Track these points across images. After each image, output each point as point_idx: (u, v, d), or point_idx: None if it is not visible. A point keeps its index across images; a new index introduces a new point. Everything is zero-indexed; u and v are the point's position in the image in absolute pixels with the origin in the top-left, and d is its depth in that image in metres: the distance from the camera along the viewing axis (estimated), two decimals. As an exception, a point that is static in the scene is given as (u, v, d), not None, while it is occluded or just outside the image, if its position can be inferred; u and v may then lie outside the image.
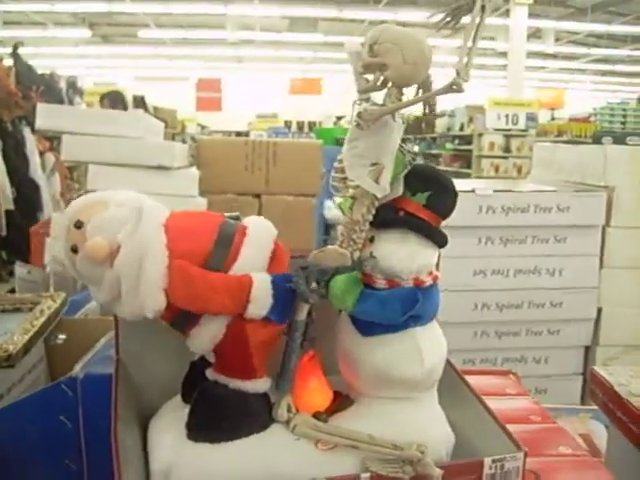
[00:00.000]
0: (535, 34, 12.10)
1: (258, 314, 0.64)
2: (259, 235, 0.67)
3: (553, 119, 11.33)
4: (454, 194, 0.73)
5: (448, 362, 0.77)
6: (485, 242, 2.02)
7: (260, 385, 0.68)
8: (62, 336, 1.23)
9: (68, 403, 0.92)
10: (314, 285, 0.65)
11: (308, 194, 2.90)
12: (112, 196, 0.67)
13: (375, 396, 0.72)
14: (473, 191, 1.99)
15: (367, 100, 0.66)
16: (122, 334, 0.78)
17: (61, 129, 2.40)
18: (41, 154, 4.49)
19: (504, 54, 11.06)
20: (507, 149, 7.77)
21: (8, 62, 4.55)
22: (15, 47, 4.80)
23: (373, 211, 0.69)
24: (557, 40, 12.65)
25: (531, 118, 7.77)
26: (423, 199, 0.70)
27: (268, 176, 2.88)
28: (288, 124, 13.70)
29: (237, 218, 0.69)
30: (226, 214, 0.69)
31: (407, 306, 0.68)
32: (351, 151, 0.67)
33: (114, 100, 4.44)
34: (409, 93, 0.68)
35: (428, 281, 0.71)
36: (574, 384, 2.18)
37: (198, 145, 3.04)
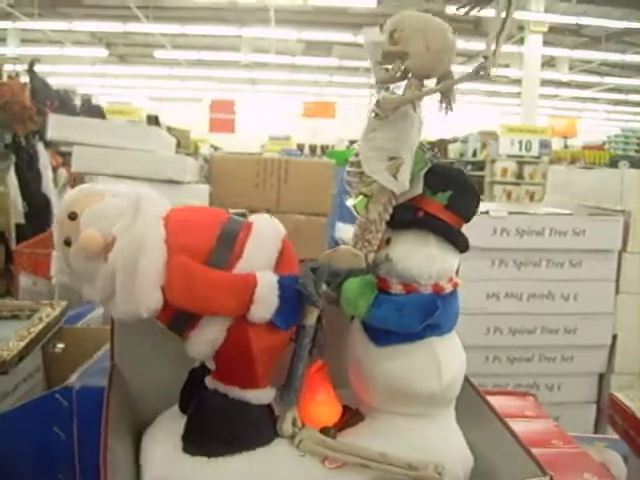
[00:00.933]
0: (549, 62, 12.14)
1: (262, 317, 0.59)
2: (266, 233, 0.62)
3: (566, 147, 11.31)
4: (477, 196, 0.68)
5: (466, 379, 0.71)
6: (499, 265, 1.99)
7: (263, 395, 0.63)
8: (61, 345, 1.19)
9: (62, 414, 0.88)
10: (324, 287, 0.60)
11: (319, 213, 2.86)
12: (107, 188, 0.63)
13: (388, 411, 0.67)
14: (487, 213, 1.96)
15: (386, 90, 0.62)
16: (118, 339, 0.73)
17: (72, 140, 2.38)
18: (54, 169, 4.50)
19: (518, 81, 11.09)
20: (520, 176, 7.73)
21: (25, 79, 4.60)
22: (31, 64, 4.86)
23: (390, 210, 0.64)
24: (571, 68, 12.69)
25: (544, 145, 7.73)
26: (444, 199, 0.65)
27: (279, 194, 2.85)
28: (300, 147, 13.74)
29: (243, 215, 0.65)
30: (232, 210, 0.65)
31: (425, 314, 0.63)
32: (368, 143, 0.62)
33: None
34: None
35: (448, 287, 0.66)
36: (587, 412, 2.13)
37: (210, 161, 3.02)
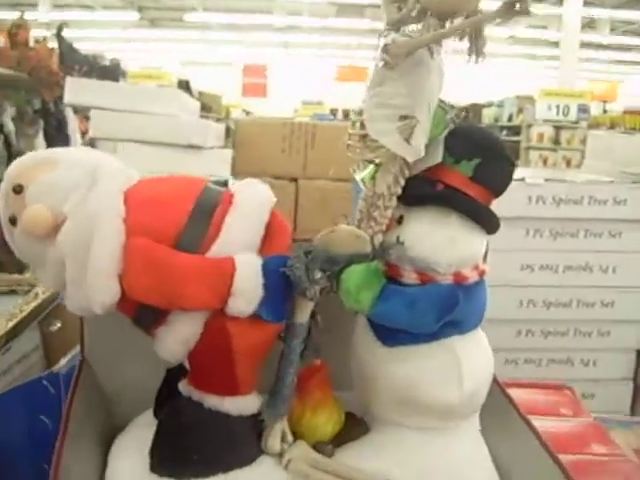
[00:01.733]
0: (589, 24, 11.63)
1: (242, 310, 0.49)
2: (249, 204, 0.51)
3: (605, 112, 10.90)
4: (510, 164, 0.56)
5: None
6: (534, 235, 1.89)
7: (245, 404, 0.52)
8: (57, 323, 1.11)
9: (50, 401, 0.82)
10: (318, 275, 0.49)
11: (348, 180, 2.75)
12: (64, 154, 0.52)
13: (397, 424, 0.56)
14: (523, 180, 1.86)
15: (397, 31, 0.49)
16: (89, 331, 0.64)
17: (90, 104, 2.32)
18: (83, 134, 4.47)
19: (556, 44, 10.67)
20: (557, 141, 7.52)
21: (54, 44, 4.55)
22: (59, 29, 4.81)
23: (402, 182, 0.53)
24: (612, 30, 12.13)
25: (583, 110, 7.50)
26: (469, 169, 0.54)
27: (306, 160, 2.75)
28: (334, 111, 13.53)
29: (224, 184, 0.53)
30: (212, 178, 0.53)
31: (443, 309, 0.52)
32: (374, 99, 0.50)
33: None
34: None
35: (472, 277, 0.55)
36: (624, 390, 2.03)
37: (235, 125, 2.93)
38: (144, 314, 0.50)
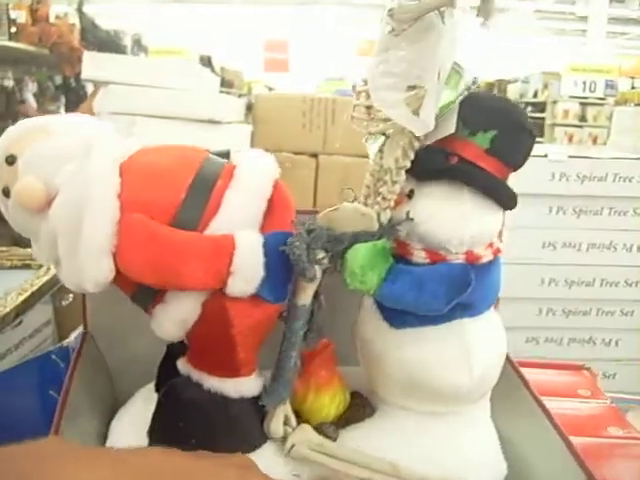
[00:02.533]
0: (618, -2, 11.31)
1: (243, 290, 0.46)
2: (251, 178, 0.48)
3: (633, 88, 10.62)
4: (530, 136, 0.52)
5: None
6: (557, 212, 1.84)
7: (247, 386, 0.50)
8: (69, 297, 1.10)
9: (59, 375, 0.82)
10: (320, 254, 0.47)
11: (368, 155, 2.72)
12: (58, 122, 0.50)
13: (404, 407, 0.54)
14: (545, 156, 1.82)
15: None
16: (92, 303, 0.62)
17: (107, 79, 2.30)
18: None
19: (584, 18, 10.40)
20: (583, 118, 7.36)
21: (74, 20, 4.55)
22: (80, 4, 4.81)
23: (412, 155, 0.49)
24: (642, 4, 11.78)
25: (610, 86, 7.30)
26: (486, 141, 0.50)
27: (326, 135, 2.71)
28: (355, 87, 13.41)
29: (226, 155, 0.51)
30: (213, 150, 0.51)
31: (453, 291, 0.49)
32: (379, 67, 0.47)
33: None
34: None
35: (486, 256, 0.52)
36: None
37: (255, 100, 2.91)
38: (143, 292, 0.48)
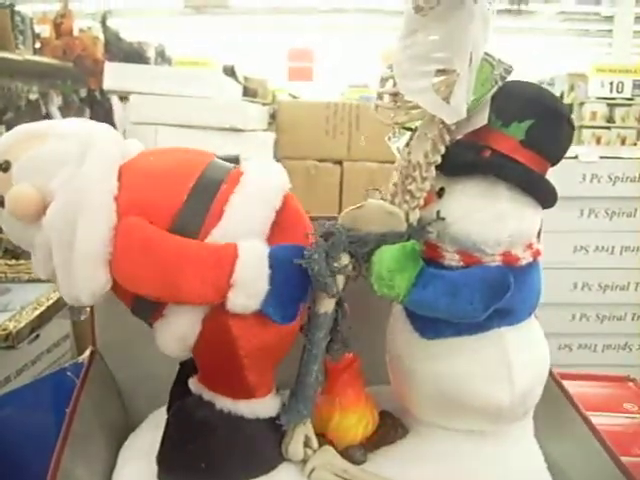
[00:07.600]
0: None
1: (245, 305, 0.42)
2: (259, 185, 0.44)
3: (661, 88, 10.47)
4: (569, 124, 0.48)
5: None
6: (588, 215, 1.81)
7: (262, 407, 0.46)
8: (87, 311, 1.07)
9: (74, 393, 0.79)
10: (344, 260, 0.42)
11: (394, 161, 2.68)
12: (54, 127, 0.46)
13: (439, 426, 0.49)
14: (576, 157, 1.77)
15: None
16: (100, 320, 0.59)
17: (129, 90, 2.32)
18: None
19: (610, 18, 10.27)
20: (610, 119, 7.25)
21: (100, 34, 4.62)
22: (104, 17, 4.88)
23: (442, 149, 0.45)
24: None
25: (638, 86, 7.20)
26: (521, 132, 0.46)
27: (350, 141, 2.68)
28: (381, 94, 13.43)
29: (235, 160, 0.47)
30: (221, 154, 0.47)
31: (491, 296, 0.44)
32: (406, 51, 0.42)
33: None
34: None
35: (525, 257, 0.47)
36: None
37: (277, 107, 2.89)
38: (141, 304, 0.44)
